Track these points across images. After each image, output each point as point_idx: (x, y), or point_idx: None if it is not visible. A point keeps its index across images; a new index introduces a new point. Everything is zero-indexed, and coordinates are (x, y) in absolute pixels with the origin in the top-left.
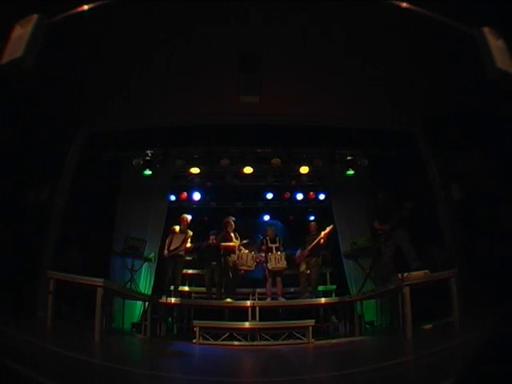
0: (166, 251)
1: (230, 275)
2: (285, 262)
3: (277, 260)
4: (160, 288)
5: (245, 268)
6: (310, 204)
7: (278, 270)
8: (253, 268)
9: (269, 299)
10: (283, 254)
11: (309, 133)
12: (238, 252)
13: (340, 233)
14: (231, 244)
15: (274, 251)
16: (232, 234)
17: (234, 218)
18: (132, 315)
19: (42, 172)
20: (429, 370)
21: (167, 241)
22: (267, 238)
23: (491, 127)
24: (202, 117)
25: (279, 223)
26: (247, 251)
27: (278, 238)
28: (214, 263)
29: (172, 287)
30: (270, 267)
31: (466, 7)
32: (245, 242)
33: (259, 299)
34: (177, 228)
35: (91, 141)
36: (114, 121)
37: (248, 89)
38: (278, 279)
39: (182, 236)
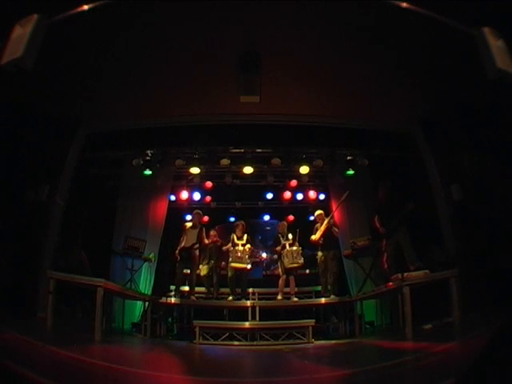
0: (177, 251)
1: (230, 274)
2: (301, 259)
3: (293, 256)
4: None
5: (238, 266)
6: (309, 204)
7: (291, 268)
8: (247, 266)
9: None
10: (294, 249)
11: (309, 133)
12: (234, 250)
13: (340, 233)
14: (226, 246)
15: (288, 247)
16: (235, 236)
17: (243, 222)
18: (132, 315)
19: (42, 172)
20: (429, 369)
21: (181, 239)
22: (279, 234)
23: (491, 127)
24: (202, 117)
25: (279, 223)
26: (245, 249)
27: (290, 233)
28: (213, 262)
29: (187, 287)
30: (285, 265)
31: (466, 7)
32: (248, 245)
33: (259, 299)
34: (188, 224)
35: (91, 141)
36: (114, 121)
37: (248, 89)
38: (291, 278)
39: (195, 231)
